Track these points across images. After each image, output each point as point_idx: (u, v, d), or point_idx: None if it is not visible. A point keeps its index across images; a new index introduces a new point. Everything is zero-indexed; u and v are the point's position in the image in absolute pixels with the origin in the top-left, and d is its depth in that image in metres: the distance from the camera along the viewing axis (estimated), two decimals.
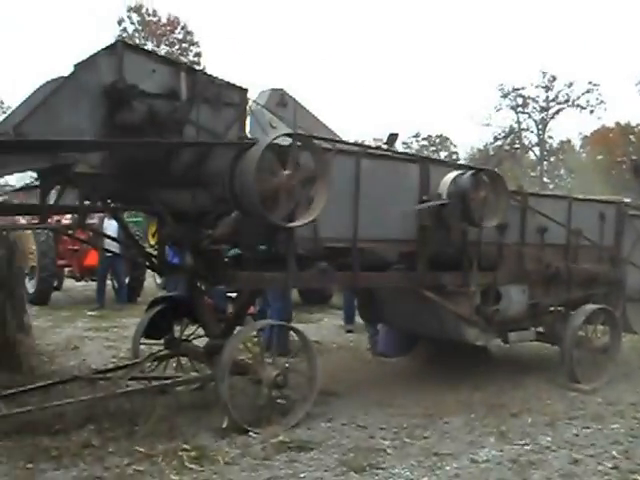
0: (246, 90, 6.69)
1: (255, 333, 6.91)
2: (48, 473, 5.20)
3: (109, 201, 6.85)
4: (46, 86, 6.06)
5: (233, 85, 6.59)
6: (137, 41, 53.30)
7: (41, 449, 5.57)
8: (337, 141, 7.13)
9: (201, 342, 7.49)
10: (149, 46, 53.02)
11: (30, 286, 15.46)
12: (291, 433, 6.18)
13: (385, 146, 8.32)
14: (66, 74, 5.83)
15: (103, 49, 5.93)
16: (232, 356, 6.27)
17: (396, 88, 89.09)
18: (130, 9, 56.36)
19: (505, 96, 62.32)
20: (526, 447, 6.12)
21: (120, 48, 5.97)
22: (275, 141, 6.16)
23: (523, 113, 62.76)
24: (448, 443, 6.16)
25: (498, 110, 62.72)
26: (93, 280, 17.25)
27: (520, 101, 62.31)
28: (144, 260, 7.74)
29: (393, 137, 8.37)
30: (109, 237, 8.88)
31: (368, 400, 7.40)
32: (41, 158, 5.74)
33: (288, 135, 6.38)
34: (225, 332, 6.99)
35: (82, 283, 18.69)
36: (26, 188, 7.49)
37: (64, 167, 5.72)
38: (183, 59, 50.14)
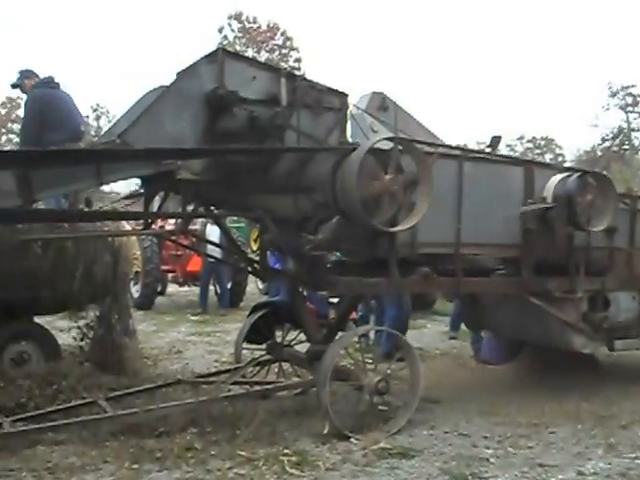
0: (347, 95, 6.72)
1: (357, 339, 6.92)
2: (152, 474, 5.31)
3: (212, 207, 6.97)
4: (149, 95, 6.24)
5: (333, 90, 6.62)
6: (237, 48, 54.07)
7: (146, 450, 5.70)
8: (439, 145, 7.09)
9: (303, 347, 7.56)
10: (249, 53, 53.73)
11: (134, 291, 15.82)
12: (392, 440, 6.15)
13: (488, 149, 8.21)
14: (169, 83, 5.99)
15: (204, 57, 6.05)
16: (334, 362, 6.29)
17: (499, 90, 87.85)
18: (230, 17, 57.23)
19: (613, 95, 60.56)
20: (637, 461, 5.90)
21: (221, 56, 6.08)
22: (376, 145, 6.16)
23: (633, 112, 60.95)
24: (554, 454, 6.02)
25: (606, 110, 61.05)
26: (196, 285, 17.58)
27: (630, 100, 60.53)
28: (246, 265, 7.84)
29: (496, 140, 8.24)
30: (212, 243, 9.02)
31: (471, 408, 7.31)
32: (145, 165, 5.90)
33: (389, 139, 6.37)
34: (327, 338, 7.03)
35: (185, 288, 19.08)
36: (132, 196, 7.70)
37: (167, 174, 5.86)
38: (283, 65, 50.62)
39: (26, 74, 9.18)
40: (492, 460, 5.81)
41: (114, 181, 6.20)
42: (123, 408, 6.44)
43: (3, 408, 6.33)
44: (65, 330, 8.62)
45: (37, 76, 9.15)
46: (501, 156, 8.58)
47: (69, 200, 7.90)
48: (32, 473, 5.27)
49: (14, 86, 9.24)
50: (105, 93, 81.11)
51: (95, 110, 60.03)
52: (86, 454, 5.66)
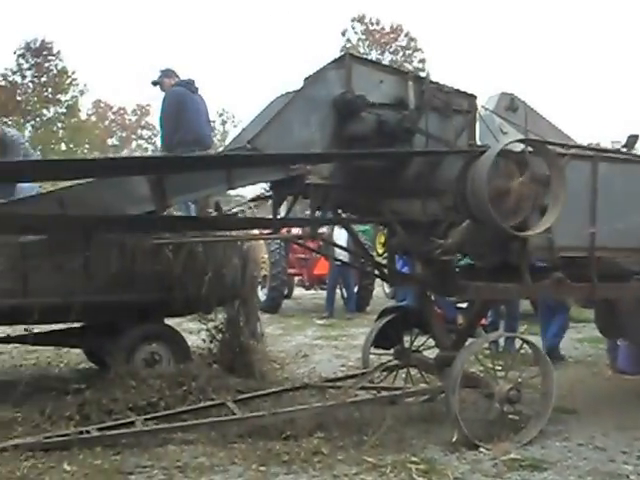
0: (475, 96, 6.65)
1: (487, 345, 6.82)
2: (280, 477, 5.37)
3: (339, 211, 7.02)
4: (277, 101, 6.34)
5: (462, 92, 6.57)
6: (361, 50, 54.32)
7: (273, 453, 5.77)
8: (571, 145, 6.91)
9: (431, 353, 7.51)
10: (373, 55, 53.90)
11: (261, 294, 16.11)
12: (524, 451, 6.03)
13: (624, 149, 7.94)
14: (294, 88, 6.08)
15: (331, 62, 6.11)
16: (463, 368, 6.23)
17: (634, 86, 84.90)
18: (354, 19, 57.53)
19: None
20: None
21: (348, 60, 6.13)
22: (507, 147, 6.07)
23: None
24: None
25: None
26: (322, 289, 17.73)
27: None
28: (374, 269, 7.85)
29: (633, 139, 7.96)
30: (340, 246, 9.09)
31: (607, 420, 7.07)
32: (275, 170, 6.02)
33: (520, 141, 6.28)
34: (456, 343, 6.96)
35: (311, 292, 19.28)
36: (258, 199, 7.83)
37: (296, 179, 5.94)
38: (407, 66, 50.48)
39: (167, 73, 9.54)
40: (632, 477, 5.58)
41: (243, 186, 6.33)
42: (251, 410, 6.56)
43: (135, 407, 6.58)
44: (194, 332, 8.85)
45: (177, 76, 9.49)
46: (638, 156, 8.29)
47: (198, 205, 8.13)
48: (163, 471, 5.44)
49: (154, 83, 9.61)
50: (231, 98, 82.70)
51: (221, 115, 61.47)
52: (215, 455, 5.79)
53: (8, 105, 48.72)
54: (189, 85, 9.44)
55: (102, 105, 58.12)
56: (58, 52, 51.41)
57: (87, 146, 50.87)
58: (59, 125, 50.00)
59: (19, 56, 51.69)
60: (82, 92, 51.78)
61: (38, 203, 6.12)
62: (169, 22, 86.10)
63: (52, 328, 8.40)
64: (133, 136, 62.25)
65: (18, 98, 49.85)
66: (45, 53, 51.20)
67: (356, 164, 6.12)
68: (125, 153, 56.77)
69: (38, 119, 50.02)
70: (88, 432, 5.98)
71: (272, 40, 76.53)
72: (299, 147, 5.85)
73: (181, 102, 9.17)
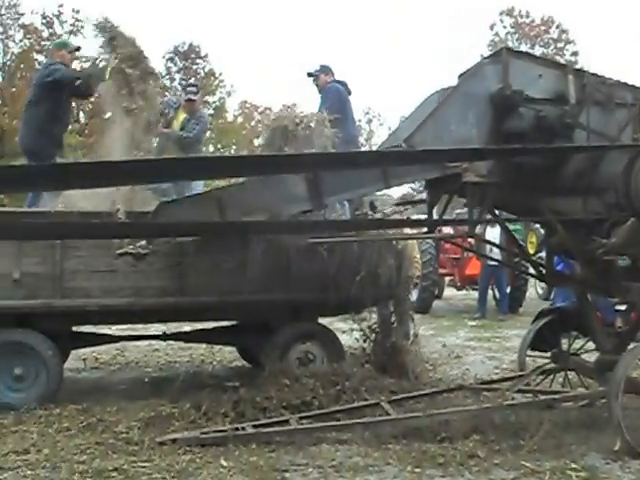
0: (639, 88, 6.43)
1: None
2: (435, 479, 5.36)
3: (495, 210, 6.93)
4: (431, 98, 6.33)
5: (625, 84, 6.37)
6: (510, 44, 53.27)
7: (428, 455, 5.75)
8: None
9: (590, 356, 7.32)
10: (523, 48, 52.72)
11: (413, 294, 16.03)
12: None
13: None
14: (450, 85, 6.05)
15: (487, 57, 6.08)
16: (626, 373, 6.03)
17: None
18: (502, 12, 56.53)
19: None
20: None
21: (505, 55, 6.06)
22: None
23: None
24: None
25: None
26: (474, 289, 17.51)
27: None
28: (530, 269, 7.72)
29: None
30: (495, 245, 8.95)
31: None
32: (432, 168, 6.00)
33: None
34: (618, 347, 6.74)
35: (462, 292, 19.07)
36: (407, 202, 7.84)
37: (453, 177, 5.91)
38: (559, 59, 49.13)
39: (324, 69, 9.71)
40: None
41: (399, 185, 6.35)
42: (405, 411, 6.59)
43: (289, 405, 6.69)
44: (347, 332, 8.93)
45: (333, 74, 9.63)
46: None
47: (353, 205, 8.20)
48: (318, 470, 5.51)
49: (311, 75, 9.76)
50: (375, 96, 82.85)
51: (367, 113, 61.63)
52: (369, 455, 5.82)
53: None
54: (345, 86, 9.57)
55: (248, 106, 59.19)
56: (205, 55, 52.90)
57: (234, 147, 51.98)
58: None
59: (168, 60, 53.51)
60: (229, 93, 53.16)
61: (198, 202, 6.33)
62: (313, 22, 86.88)
63: (205, 326, 8.70)
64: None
65: None
66: (193, 56, 52.77)
67: (514, 161, 6.03)
68: None
69: None
70: (243, 429, 6.15)
71: (416, 38, 76.24)
72: (456, 144, 5.81)
73: (343, 100, 9.31)
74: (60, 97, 8.80)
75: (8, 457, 5.71)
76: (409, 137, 5.72)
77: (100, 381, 8.60)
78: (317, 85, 9.66)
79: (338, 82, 9.58)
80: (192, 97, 10.53)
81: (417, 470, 5.49)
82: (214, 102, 52.02)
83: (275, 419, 6.39)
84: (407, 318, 8.61)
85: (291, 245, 7.31)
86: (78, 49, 9.32)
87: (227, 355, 10.19)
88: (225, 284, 7.34)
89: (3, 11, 47.52)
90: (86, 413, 6.79)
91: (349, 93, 9.56)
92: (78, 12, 54.52)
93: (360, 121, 62.98)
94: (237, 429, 6.12)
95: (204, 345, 10.19)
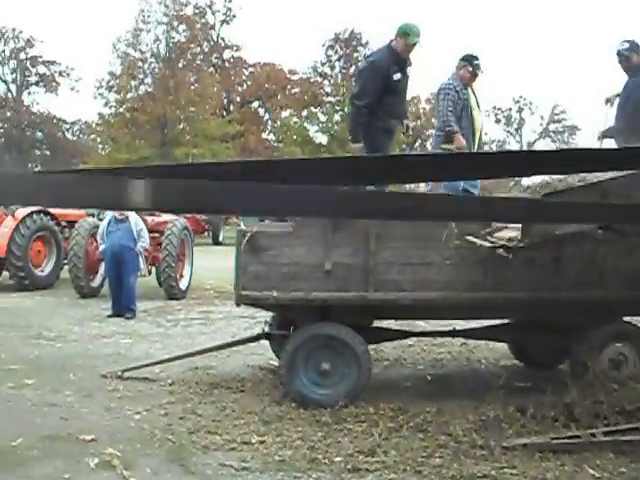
0: None
1: None
2: None
3: None
4: None
5: None
6: None
7: None
8: None
9: None
10: None
11: None
12: None
13: None
14: None
15: None
16: None
17: None
18: None
19: None
20: None
21: None
22: None
23: None
24: None
25: None
26: None
27: None
28: None
29: None
30: None
31: None
32: None
33: None
34: None
35: None
36: None
37: None
38: None
39: (635, 47, 8.97)
40: None
41: None
42: None
43: (623, 411, 6.35)
44: None
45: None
46: None
47: None
48: None
49: (622, 54, 9.03)
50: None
51: (517, 102, 60.98)
52: None
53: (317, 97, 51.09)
54: None
55: None
56: (367, 42, 52.99)
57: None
58: None
59: (328, 48, 53.91)
60: None
61: (580, 193, 5.87)
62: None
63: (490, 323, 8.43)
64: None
65: (327, 90, 52.03)
66: (354, 44, 52.97)
67: None
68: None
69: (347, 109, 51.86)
70: (593, 435, 5.88)
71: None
72: None
73: None
74: None
75: (356, 457, 5.64)
76: None
77: (378, 377, 8.45)
78: (628, 70, 9.01)
79: None
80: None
81: None
82: None
83: (627, 426, 6.06)
84: None
85: (610, 240, 6.93)
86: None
87: (486, 353, 9.89)
88: (540, 280, 7.04)
89: (169, 2, 49.15)
90: (404, 413, 6.68)
91: None
92: (230, 1, 55.94)
93: (510, 110, 62.13)
94: (593, 435, 5.85)
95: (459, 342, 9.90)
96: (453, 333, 8.23)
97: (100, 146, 57.94)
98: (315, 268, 6.91)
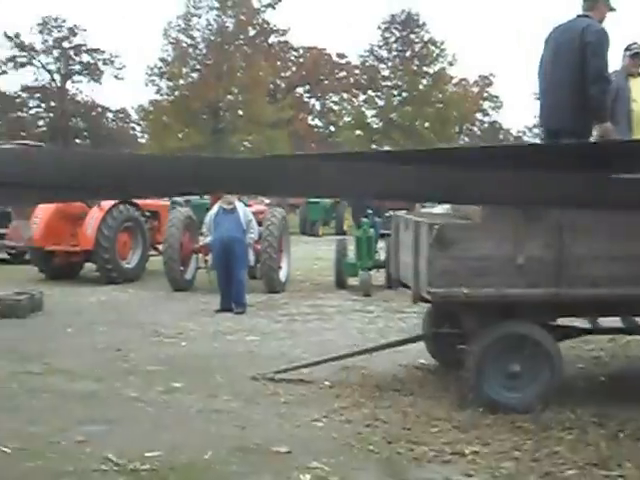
0: None
1: None
2: None
3: None
4: None
5: None
6: None
7: None
8: None
9: None
10: None
11: None
12: None
13: None
14: None
15: None
16: None
17: None
18: None
19: None
20: None
21: None
22: None
23: None
24: None
25: None
26: None
27: None
28: None
29: None
30: None
31: None
32: None
33: None
34: None
35: None
36: None
37: None
38: None
39: None
40: None
41: None
42: None
43: None
44: None
45: None
46: None
47: None
48: None
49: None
50: None
51: None
52: None
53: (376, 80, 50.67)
54: None
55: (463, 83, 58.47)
56: (423, 24, 52.43)
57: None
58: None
59: (384, 30, 53.35)
60: (451, 63, 52.70)
61: None
62: None
63: None
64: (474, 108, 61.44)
65: (385, 73, 51.56)
66: (411, 25, 52.41)
67: None
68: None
69: (405, 94, 51.47)
70: None
71: None
72: None
73: None
74: None
75: (590, 470, 5.23)
76: None
77: None
78: None
79: None
80: None
81: None
82: (435, 73, 51.69)
83: None
84: None
85: None
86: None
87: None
88: None
89: None
90: (609, 419, 6.24)
91: None
92: None
93: None
94: None
95: None
96: (626, 330, 7.80)
97: (139, 134, 57.91)
98: (507, 262, 6.47)
